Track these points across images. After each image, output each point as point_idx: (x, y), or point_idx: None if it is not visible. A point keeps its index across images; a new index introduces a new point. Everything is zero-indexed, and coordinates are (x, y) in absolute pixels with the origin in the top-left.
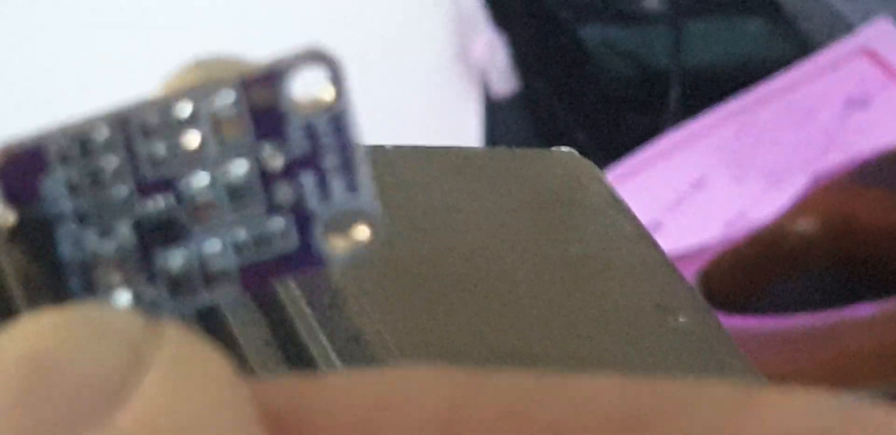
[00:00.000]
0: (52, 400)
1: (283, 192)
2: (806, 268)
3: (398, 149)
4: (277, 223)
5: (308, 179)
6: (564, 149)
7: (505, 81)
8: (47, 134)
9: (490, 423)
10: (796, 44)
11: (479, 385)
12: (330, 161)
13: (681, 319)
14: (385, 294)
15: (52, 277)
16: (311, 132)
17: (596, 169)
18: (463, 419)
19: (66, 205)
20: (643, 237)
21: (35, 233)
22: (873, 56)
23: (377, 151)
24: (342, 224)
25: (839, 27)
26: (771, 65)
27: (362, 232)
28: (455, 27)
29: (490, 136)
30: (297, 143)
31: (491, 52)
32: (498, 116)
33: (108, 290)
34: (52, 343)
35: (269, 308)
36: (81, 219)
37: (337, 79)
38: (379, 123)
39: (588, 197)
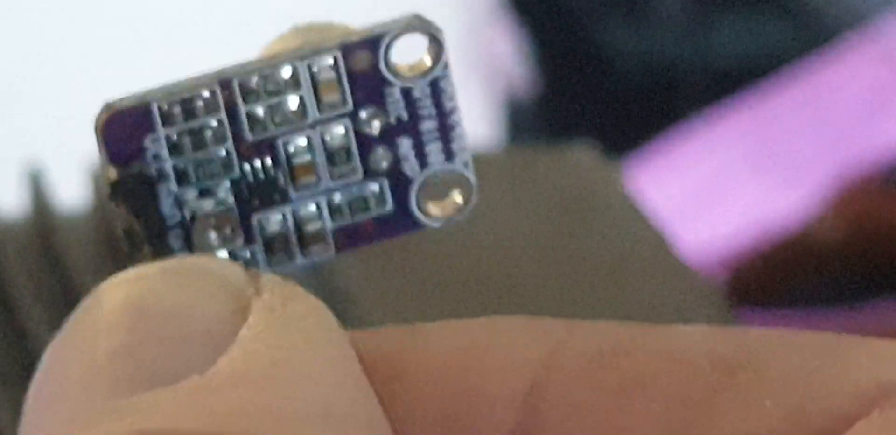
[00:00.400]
0: (157, 347)
1: (380, 157)
2: (831, 271)
3: None
4: (373, 187)
5: (405, 144)
6: (581, 147)
7: (521, 79)
8: (150, 93)
9: (583, 367)
10: (813, 40)
11: (570, 332)
12: (427, 127)
13: (699, 320)
14: (400, 294)
15: (153, 234)
16: (409, 98)
17: (613, 166)
18: (557, 363)
19: (167, 164)
20: (660, 237)
21: (136, 190)
22: (892, 51)
23: None
24: (438, 189)
25: (857, 22)
26: (788, 61)
27: (457, 198)
28: (470, 24)
29: (506, 133)
30: (396, 108)
31: (507, 50)
32: (514, 114)
33: (206, 248)
34: (157, 291)
35: None
36: (182, 178)
37: (436, 47)
38: None
39: (605, 197)
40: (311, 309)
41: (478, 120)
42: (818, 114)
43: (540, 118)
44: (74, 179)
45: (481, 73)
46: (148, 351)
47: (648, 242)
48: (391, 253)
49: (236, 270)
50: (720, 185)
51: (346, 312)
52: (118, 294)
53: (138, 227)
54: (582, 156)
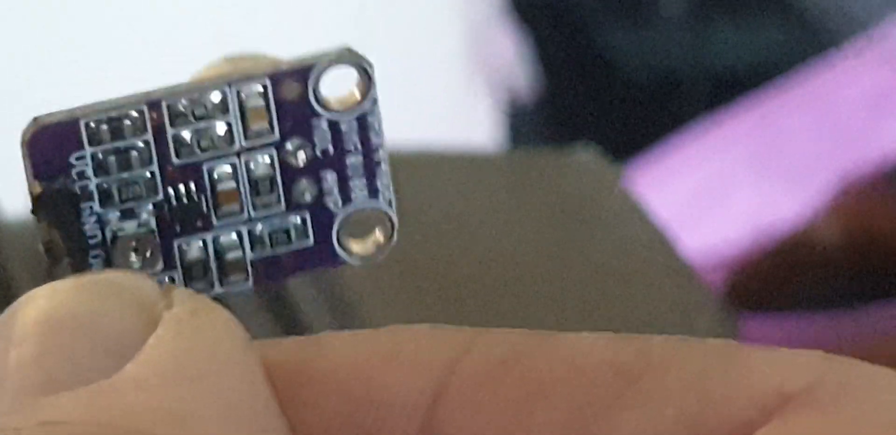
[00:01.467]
0: (65, 357)
1: (304, 189)
2: (832, 274)
3: (417, 152)
4: (295, 220)
5: (329, 178)
6: (584, 150)
7: (524, 82)
8: (79, 110)
9: (485, 375)
10: (815, 43)
11: (473, 341)
12: (352, 161)
13: (700, 324)
14: (402, 298)
15: (74, 249)
16: (336, 131)
17: (616, 170)
18: (459, 371)
19: (91, 182)
20: (663, 242)
21: (60, 205)
22: (893, 54)
23: (395, 155)
24: (359, 226)
25: (858, 25)
26: (790, 64)
27: (378, 236)
28: (474, 28)
29: (509, 137)
30: (322, 140)
31: (510, 54)
32: (516, 117)
33: (124, 270)
34: (70, 304)
35: (282, 309)
36: (105, 198)
37: (366, 80)
38: (396, 125)
39: (607, 200)
40: (218, 320)
41: (480, 123)
42: (819, 117)
43: (542, 121)
44: None
45: (484, 77)
46: (55, 360)
47: (650, 245)
48: (394, 256)
49: (149, 285)
50: (722, 188)
51: (351, 316)
52: (32, 308)
53: (59, 241)
54: (584, 159)
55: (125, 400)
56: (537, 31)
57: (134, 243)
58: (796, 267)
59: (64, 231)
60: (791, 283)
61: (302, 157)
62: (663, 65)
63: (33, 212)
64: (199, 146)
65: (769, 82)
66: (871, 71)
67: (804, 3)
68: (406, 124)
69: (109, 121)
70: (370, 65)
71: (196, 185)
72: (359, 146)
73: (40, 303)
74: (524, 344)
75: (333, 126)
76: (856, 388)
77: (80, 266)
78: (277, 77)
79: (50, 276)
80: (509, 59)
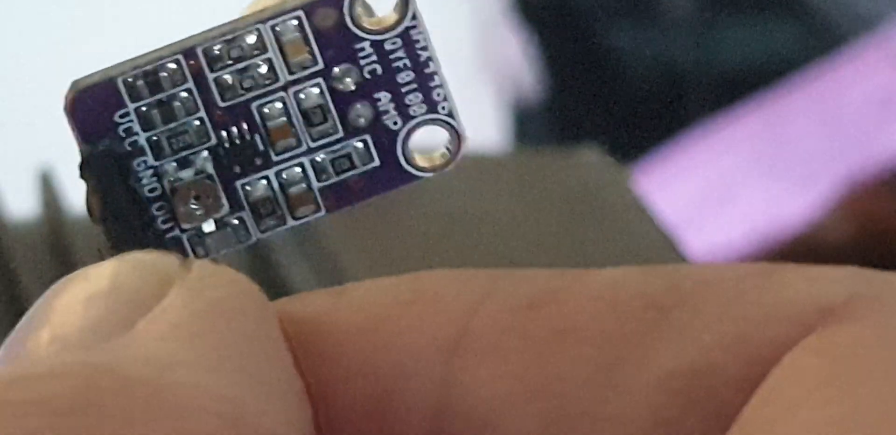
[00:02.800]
0: (85, 317)
1: (359, 113)
2: None
3: None
4: (356, 144)
5: (384, 98)
6: (590, 150)
7: (530, 83)
8: (115, 68)
9: (511, 316)
10: (821, 42)
11: (496, 282)
12: (404, 79)
13: None
14: None
15: (133, 210)
16: (381, 51)
17: (621, 170)
18: (484, 313)
19: (140, 138)
20: (669, 240)
21: (108, 166)
22: None
23: None
24: (424, 140)
25: (865, 26)
26: (796, 64)
27: (445, 147)
28: (479, 28)
29: (515, 137)
30: (368, 62)
31: (517, 54)
32: (523, 117)
33: (190, 219)
34: (99, 278)
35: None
36: (158, 151)
37: None
38: None
39: (613, 200)
40: (231, 281)
41: (486, 123)
42: (827, 117)
43: (548, 121)
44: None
45: (490, 77)
46: (76, 322)
47: (657, 245)
48: (399, 255)
49: (170, 259)
50: (728, 189)
51: None
52: (72, 287)
53: (115, 203)
54: (590, 159)
55: (130, 351)
56: (543, 31)
57: (195, 191)
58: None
59: (107, 193)
60: None
61: (350, 81)
62: (669, 65)
63: (81, 176)
64: (242, 87)
65: (775, 83)
66: (878, 72)
67: (811, 3)
68: None
69: (146, 75)
70: None
71: (248, 125)
72: (408, 63)
73: (76, 283)
74: (548, 283)
75: (378, 47)
76: (892, 299)
77: (116, 230)
78: (311, 7)
79: (108, 239)
80: (515, 59)
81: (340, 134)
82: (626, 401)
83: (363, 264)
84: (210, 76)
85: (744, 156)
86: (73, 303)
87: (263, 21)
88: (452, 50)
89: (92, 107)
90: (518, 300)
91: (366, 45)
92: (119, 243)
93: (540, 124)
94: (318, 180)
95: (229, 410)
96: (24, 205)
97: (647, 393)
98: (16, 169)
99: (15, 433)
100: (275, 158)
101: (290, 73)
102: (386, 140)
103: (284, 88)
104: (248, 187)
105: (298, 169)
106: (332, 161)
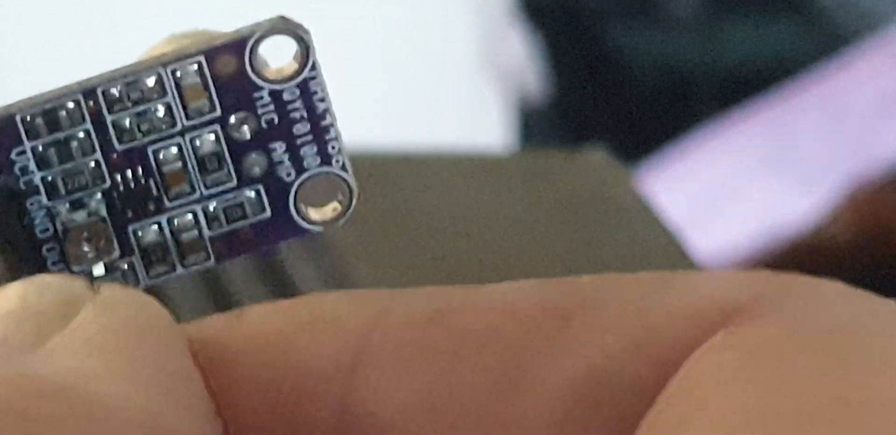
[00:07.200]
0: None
1: (254, 162)
2: (844, 274)
3: (428, 153)
4: (249, 193)
5: (279, 149)
6: (594, 150)
7: (536, 84)
8: (14, 105)
9: (410, 331)
10: (826, 44)
11: (392, 301)
12: (299, 130)
13: None
14: None
15: (29, 248)
16: (279, 101)
17: (626, 171)
18: (381, 330)
19: (35, 176)
20: (672, 242)
21: (8, 204)
22: None
23: (407, 155)
24: (316, 194)
25: (870, 25)
26: (801, 65)
27: (337, 201)
28: (486, 29)
29: (520, 138)
30: (266, 111)
31: (522, 55)
32: (527, 118)
33: (81, 261)
34: (8, 299)
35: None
36: (52, 191)
37: (304, 48)
38: (407, 126)
39: (617, 202)
40: (140, 303)
41: (492, 124)
42: (831, 117)
43: (554, 122)
44: None
45: (496, 78)
46: None
47: (662, 246)
48: (404, 256)
49: (78, 282)
50: (733, 189)
51: None
52: None
53: (13, 240)
54: (595, 160)
55: (48, 362)
56: (549, 32)
57: (86, 233)
58: (808, 267)
59: (17, 229)
60: None
61: (247, 130)
62: (675, 66)
63: None
64: (140, 130)
65: (780, 84)
66: (883, 72)
67: (816, 4)
68: (418, 125)
69: (45, 113)
70: (306, 32)
71: (143, 169)
72: (304, 114)
73: None
74: (447, 298)
75: (276, 96)
76: (798, 297)
77: (36, 265)
78: (211, 53)
79: (9, 276)
80: (521, 60)
81: (234, 183)
82: (530, 407)
83: (371, 266)
84: (108, 118)
85: (749, 156)
86: None
87: (164, 64)
88: (457, 51)
89: None
90: (417, 315)
91: (264, 93)
92: (16, 274)
93: (545, 125)
94: (210, 229)
95: (150, 421)
96: None
97: (551, 398)
98: None
99: None
100: (168, 204)
101: (188, 118)
102: (278, 191)
103: (181, 134)
104: (139, 232)
105: (190, 216)
106: (225, 210)
